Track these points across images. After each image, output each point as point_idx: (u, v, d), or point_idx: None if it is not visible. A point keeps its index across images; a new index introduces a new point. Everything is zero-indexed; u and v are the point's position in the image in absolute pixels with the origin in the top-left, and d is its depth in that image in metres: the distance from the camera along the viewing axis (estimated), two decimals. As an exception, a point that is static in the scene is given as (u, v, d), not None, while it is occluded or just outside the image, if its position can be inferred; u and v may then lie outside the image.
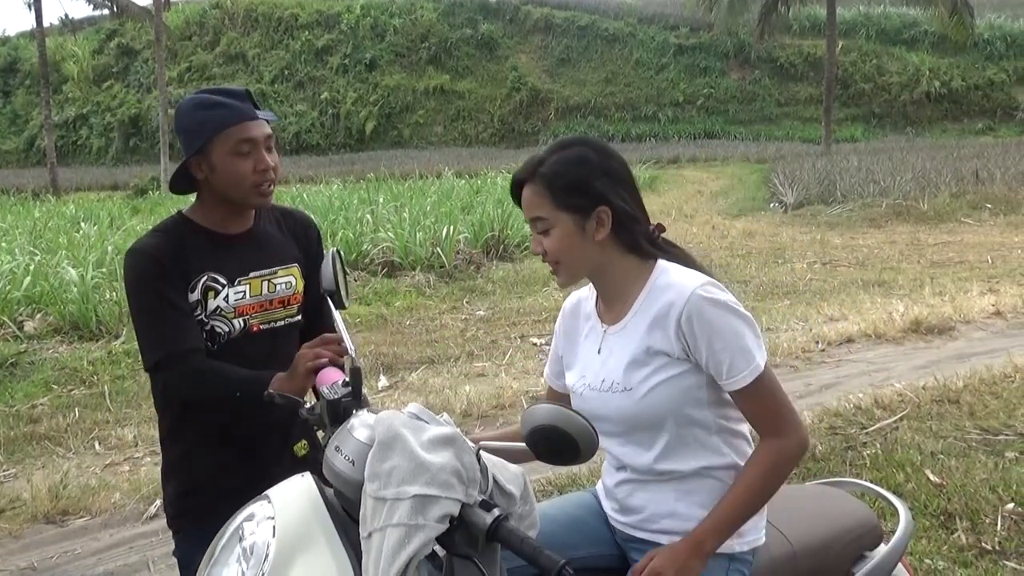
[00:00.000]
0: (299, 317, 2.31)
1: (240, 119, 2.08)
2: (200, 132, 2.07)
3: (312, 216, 2.50)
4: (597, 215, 1.81)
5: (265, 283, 2.21)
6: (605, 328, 1.92)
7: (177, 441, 2.21)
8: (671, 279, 1.81)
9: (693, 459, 1.83)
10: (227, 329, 2.15)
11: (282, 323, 2.26)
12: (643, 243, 1.86)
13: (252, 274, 2.20)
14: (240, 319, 2.17)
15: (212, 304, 2.13)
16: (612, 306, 1.92)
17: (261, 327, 2.21)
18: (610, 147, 1.90)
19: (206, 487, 2.17)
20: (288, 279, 2.26)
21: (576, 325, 2.04)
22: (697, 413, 1.81)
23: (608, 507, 2.00)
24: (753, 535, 1.86)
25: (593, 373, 1.90)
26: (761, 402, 1.77)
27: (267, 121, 2.15)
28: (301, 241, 2.36)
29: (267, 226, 2.29)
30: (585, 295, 2.05)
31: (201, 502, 2.16)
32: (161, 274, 2.08)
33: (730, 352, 1.74)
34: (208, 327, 2.14)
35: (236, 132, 2.07)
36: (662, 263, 1.87)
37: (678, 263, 1.87)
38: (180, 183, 2.19)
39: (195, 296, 2.11)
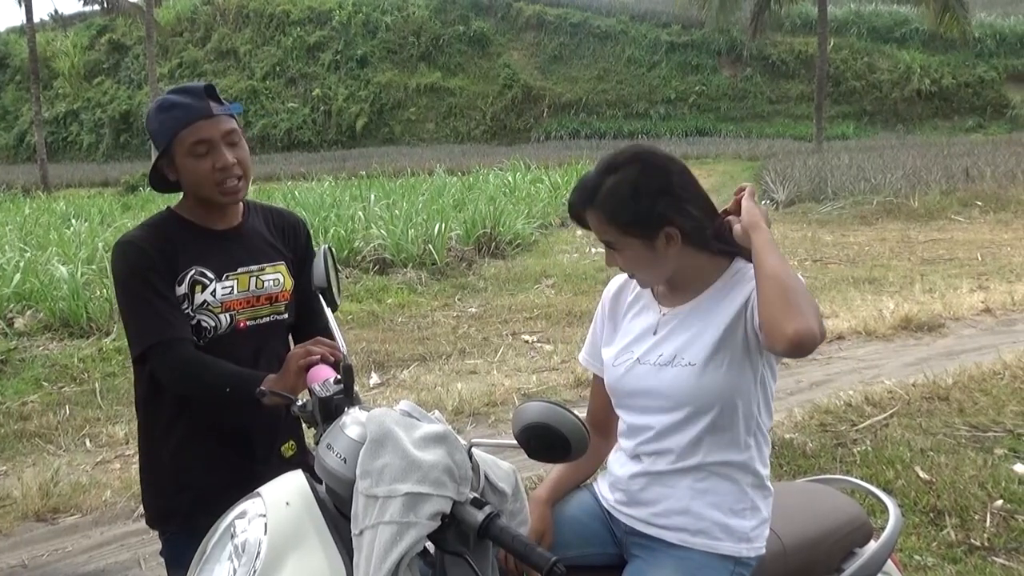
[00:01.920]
0: (287, 315, 2.30)
1: (190, 120, 2.06)
2: (161, 135, 2.08)
3: (302, 216, 2.51)
4: (665, 235, 1.80)
5: (253, 279, 2.21)
6: (664, 310, 1.93)
7: (166, 441, 2.19)
8: (748, 272, 1.82)
9: (721, 451, 1.84)
10: (213, 324, 2.14)
11: (267, 319, 2.24)
12: (714, 245, 1.86)
13: (240, 270, 2.19)
14: (227, 314, 2.16)
15: (199, 298, 2.12)
16: (676, 292, 1.92)
17: (248, 323, 2.20)
18: (664, 156, 1.86)
19: (195, 486, 2.16)
20: (276, 276, 2.25)
21: (619, 306, 2.05)
22: (744, 406, 1.83)
23: (614, 498, 1.99)
24: (760, 542, 1.87)
25: (646, 349, 1.91)
26: None
27: (230, 115, 2.12)
28: (290, 240, 2.36)
29: (255, 223, 2.29)
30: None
31: (190, 501, 2.15)
32: (149, 264, 2.07)
33: None
34: (194, 321, 2.13)
35: (190, 134, 2.06)
36: (739, 263, 1.88)
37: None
38: (159, 183, 2.19)
39: (182, 289, 2.11)
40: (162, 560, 2.26)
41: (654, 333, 1.91)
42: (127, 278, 2.09)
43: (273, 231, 2.33)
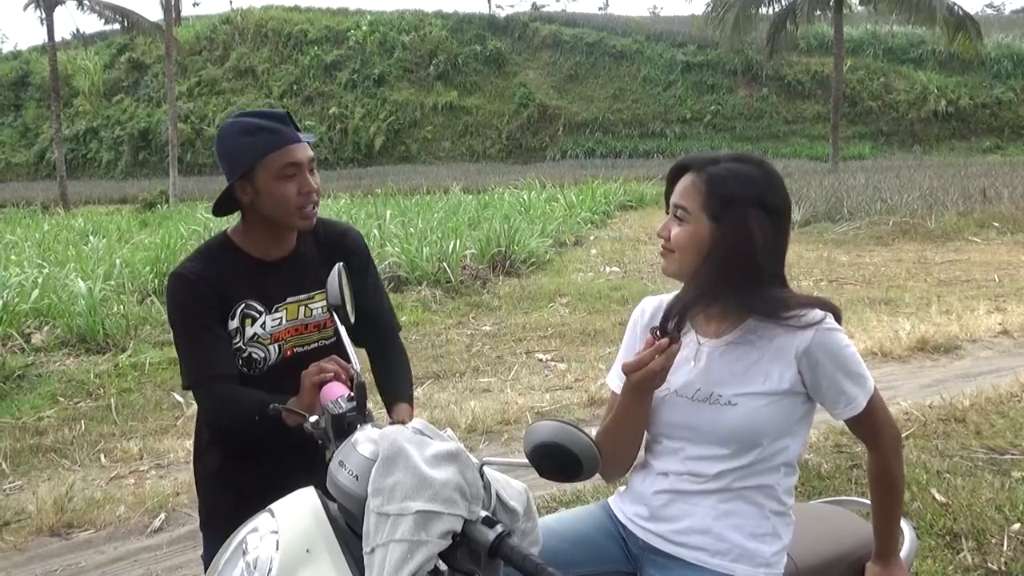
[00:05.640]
0: (333, 340, 2.31)
1: (284, 143, 2.09)
2: (245, 157, 2.09)
3: (355, 227, 2.50)
4: (730, 231, 1.80)
5: (302, 308, 2.24)
6: (702, 340, 1.91)
7: (216, 450, 2.25)
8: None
9: (751, 478, 1.84)
10: (263, 355, 2.18)
11: (315, 345, 2.27)
12: (763, 296, 1.85)
13: (289, 300, 2.22)
14: (275, 345, 2.20)
15: (249, 331, 2.16)
16: (713, 321, 1.90)
17: (295, 351, 2.23)
18: (781, 181, 1.87)
19: (239, 490, 2.19)
20: (324, 303, 2.26)
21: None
22: (785, 443, 1.84)
23: (632, 512, 1.97)
24: (778, 569, 1.86)
25: (683, 381, 1.88)
26: (872, 420, 1.86)
27: (308, 143, 2.16)
28: (336, 256, 2.32)
29: (307, 248, 2.30)
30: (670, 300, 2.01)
31: (233, 506, 2.15)
32: (200, 300, 2.12)
33: (846, 383, 1.80)
34: (246, 354, 2.17)
35: (281, 156, 2.08)
36: None
37: None
38: (223, 206, 2.21)
39: (234, 324, 2.15)
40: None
41: (692, 364, 1.89)
42: (177, 312, 2.16)
43: (323, 251, 2.31)
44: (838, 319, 1.85)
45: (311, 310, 2.25)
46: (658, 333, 1.79)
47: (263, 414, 1.97)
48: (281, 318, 2.20)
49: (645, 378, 1.79)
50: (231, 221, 2.30)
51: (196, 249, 2.25)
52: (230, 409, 2.09)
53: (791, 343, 1.80)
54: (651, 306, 2.07)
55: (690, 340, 1.92)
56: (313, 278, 2.25)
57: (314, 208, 2.16)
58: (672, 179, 1.91)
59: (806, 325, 1.79)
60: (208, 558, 2.22)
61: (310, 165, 2.14)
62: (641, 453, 2.02)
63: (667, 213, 1.90)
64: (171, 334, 2.27)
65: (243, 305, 2.16)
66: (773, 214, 1.82)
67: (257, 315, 2.17)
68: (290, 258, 2.25)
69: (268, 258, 2.22)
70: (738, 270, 1.79)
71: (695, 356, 1.90)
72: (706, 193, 1.80)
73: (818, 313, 1.81)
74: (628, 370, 1.81)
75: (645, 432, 1.98)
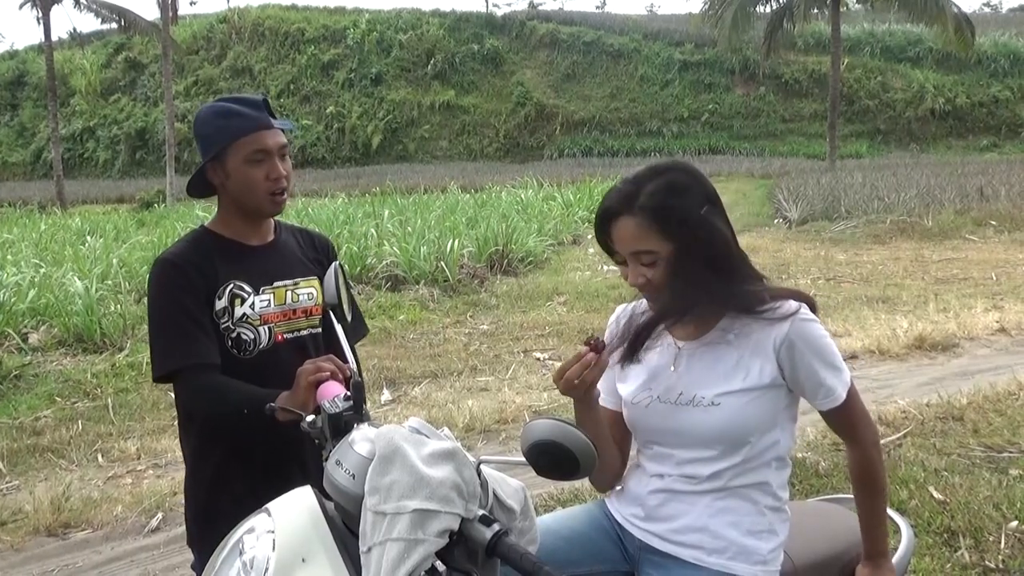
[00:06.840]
0: (320, 329, 2.34)
1: (255, 128, 2.13)
2: (217, 139, 2.14)
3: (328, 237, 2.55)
4: (705, 240, 1.80)
5: (289, 292, 2.26)
6: (680, 343, 1.90)
7: (211, 453, 2.22)
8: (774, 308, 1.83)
9: (745, 476, 1.84)
10: (253, 336, 2.18)
11: (306, 332, 2.29)
12: (737, 289, 1.85)
13: (276, 283, 2.25)
14: (265, 327, 2.20)
15: (239, 311, 2.17)
16: (688, 322, 1.88)
17: (286, 336, 2.24)
18: (700, 172, 1.86)
19: (235, 496, 2.15)
20: (310, 290, 2.31)
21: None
22: (773, 436, 1.84)
23: (628, 512, 1.97)
24: (775, 566, 1.86)
25: (665, 387, 1.88)
26: (851, 412, 1.86)
27: (283, 130, 2.20)
28: (321, 258, 2.41)
29: (287, 240, 2.36)
30: (642, 308, 1.97)
31: (231, 511, 2.14)
32: (185, 284, 2.11)
33: (826, 373, 1.80)
34: (235, 334, 2.17)
35: (251, 142, 2.13)
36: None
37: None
38: (197, 187, 2.25)
39: (223, 303, 2.15)
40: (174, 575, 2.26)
41: (672, 368, 1.89)
42: (159, 298, 2.14)
43: (304, 248, 2.39)
44: (813, 309, 1.86)
45: (297, 295, 2.28)
46: (590, 343, 1.79)
47: (253, 408, 1.97)
48: (269, 300, 2.22)
49: (567, 389, 1.80)
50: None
51: (178, 240, 2.28)
52: (219, 399, 2.07)
53: (769, 336, 1.80)
54: (625, 314, 2.04)
55: (668, 344, 1.92)
56: (297, 265, 2.31)
57: (282, 194, 2.21)
58: (602, 226, 1.85)
59: (782, 317, 1.80)
60: (200, 568, 2.21)
61: (281, 152, 2.18)
62: (634, 455, 2.03)
63: (616, 261, 1.88)
64: None
65: (231, 285, 2.17)
66: (716, 203, 1.83)
67: (246, 295, 2.18)
68: (272, 245, 2.30)
69: (249, 242, 2.25)
70: (715, 270, 1.80)
71: (674, 361, 1.89)
72: (658, 227, 1.76)
73: (793, 304, 1.82)
74: (554, 379, 1.83)
75: (632, 440, 1.99)
